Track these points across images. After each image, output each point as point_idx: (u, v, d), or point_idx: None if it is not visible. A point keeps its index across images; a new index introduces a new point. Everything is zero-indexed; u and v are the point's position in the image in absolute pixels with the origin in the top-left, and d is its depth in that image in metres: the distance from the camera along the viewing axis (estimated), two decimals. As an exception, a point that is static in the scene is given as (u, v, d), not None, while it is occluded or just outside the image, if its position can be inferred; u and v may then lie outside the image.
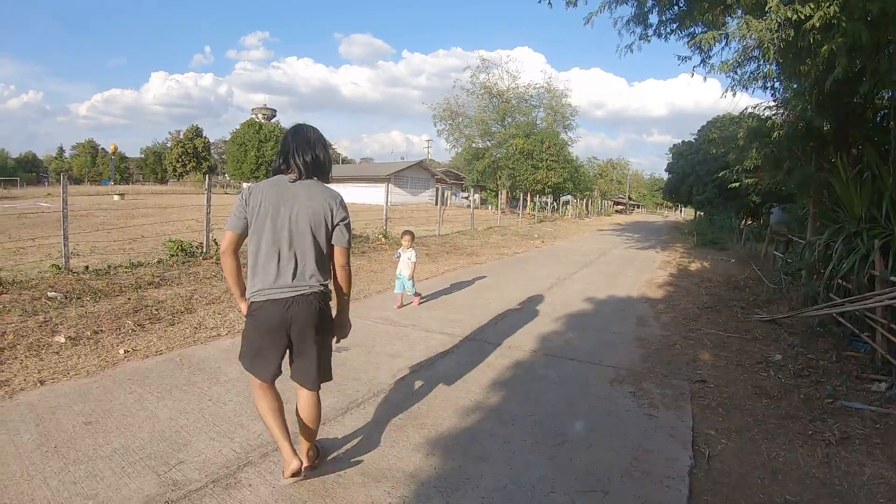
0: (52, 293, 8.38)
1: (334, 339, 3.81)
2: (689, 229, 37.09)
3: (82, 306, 8.16)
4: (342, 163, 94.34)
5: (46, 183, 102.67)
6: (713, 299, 10.99)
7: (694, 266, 16.77)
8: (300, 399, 3.72)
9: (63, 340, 6.76)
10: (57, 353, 6.44)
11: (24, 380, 5.62)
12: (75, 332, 7.05)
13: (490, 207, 55.38)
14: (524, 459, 4.33)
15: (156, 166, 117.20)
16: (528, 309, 9.70)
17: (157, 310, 8.28)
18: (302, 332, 3.51)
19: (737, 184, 22.40)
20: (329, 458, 4.22)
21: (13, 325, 7.19)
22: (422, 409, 5.29)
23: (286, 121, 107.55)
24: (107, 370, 6.02)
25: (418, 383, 5.92)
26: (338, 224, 3.54)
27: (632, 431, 4.96)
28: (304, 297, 3.46)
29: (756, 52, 8.49)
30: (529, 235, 26.66)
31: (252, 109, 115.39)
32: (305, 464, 3.76)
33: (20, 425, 4.57)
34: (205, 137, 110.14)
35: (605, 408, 5.45)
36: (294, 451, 3.62)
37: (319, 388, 3.72)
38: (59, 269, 9.71)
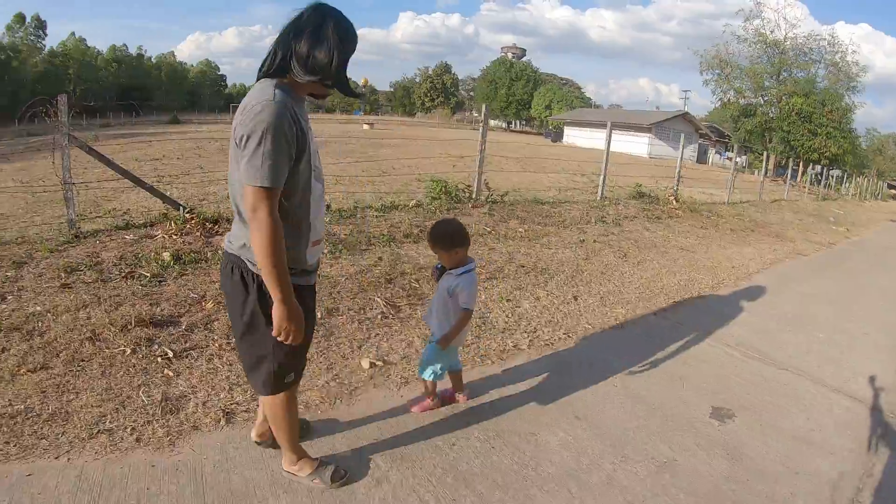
0: None
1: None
2: None
3: (315, 264, 5.90)
4: (594, 107, 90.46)
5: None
6: None
7: None
8: None
9: None
10: None
11: (205, 404, 3.59)
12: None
13: (755, 172, 50.05)
14: None
15: (404, 100, 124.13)
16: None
17: (416, 280, 6.00)
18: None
19: None
20: None
21: (218, 284, 5.20)
22: None
23: (535, 62, 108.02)
24: (339, 404, 3.75)
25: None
26: (239, 143, 2.31)
27: None
28: (225, 254, 2.66)
29: None
30: (823, 216, 22.66)
31: (502, 48, 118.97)
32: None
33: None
34: (453, 74, 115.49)
35: None
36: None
37: (262, 393, 2.80)
38: None
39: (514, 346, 4.83)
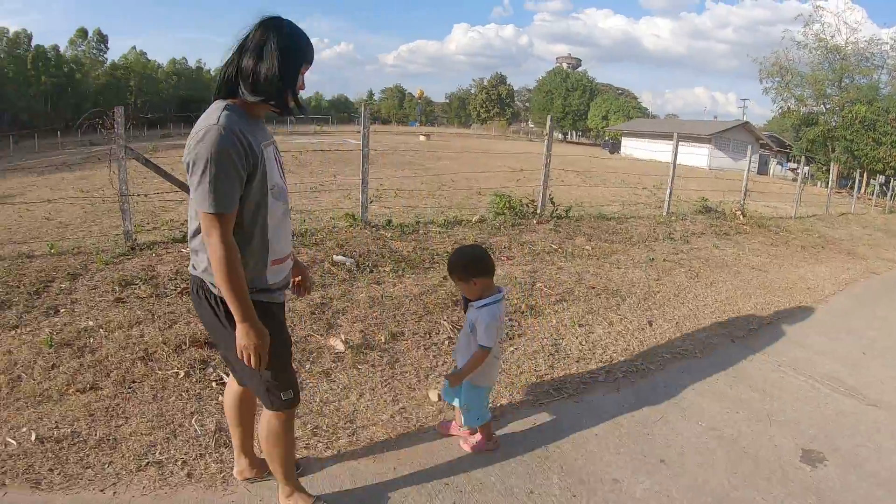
0: (340, 257, 6.34)
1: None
2: None
3: (378, 282, 5.93)
4: (650, 117, 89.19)
5: (356, 122, 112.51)
6: None
7: None
8: None
9: (342, 349, 4.46)
10: (327, 374, 4.13)
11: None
12: (361, 331, 4.77)
13: (818, 184, 48.55)
14: None
15: (459, 111, 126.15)
16: None
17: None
18: None
19: None
20: None
21: None
22: None
23: (589, 71, 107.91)
24: (406, 441, 3.48)
25: None
26: (187, 170, 2.31)
27: None
28: (191, 277, 2.62)
29: None
30: (892, 231, 21.80)
31: (556, 58, 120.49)
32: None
33: None
34: (508, 85, 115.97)
35: None
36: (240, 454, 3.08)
37: (269, 408, 2.71)
38: (355, 219, 7.87)
39: (590, 378, 4.49)
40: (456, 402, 3.41)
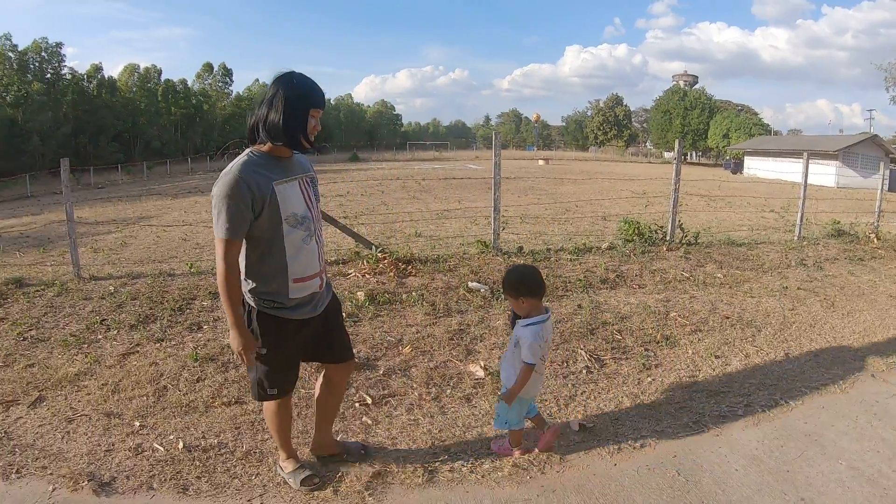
0: (474, 283, 6.46)
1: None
2: None
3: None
4: (772, 134, 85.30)
5: (474, 147, 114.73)
6: None
7: None
8: None
9: (482, 375, 4.56)
10: (468, 400, 4.23)
11: (405, 458, 3.51)
12: (500, 358, 4.76)
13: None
14: None
15: (576, 133, 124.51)
16: None
17: (618, 330, 5.67)
18: None
19: None
20: None
21: (415, 328, 5.28)
22: None
23: (707, 88, 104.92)
24: (550, 470, 3.48)
25: None
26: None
27: None
28: None
29: None
30: None
31: (673, 76, 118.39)
32: None
33: None
34: (625, 106, 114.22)
35: None
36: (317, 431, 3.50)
37: (254, 398, 3.24)
38: (486, 246, 8.03)
39: (729, 412, 4.37)
40: (506, 423, 3.57)
